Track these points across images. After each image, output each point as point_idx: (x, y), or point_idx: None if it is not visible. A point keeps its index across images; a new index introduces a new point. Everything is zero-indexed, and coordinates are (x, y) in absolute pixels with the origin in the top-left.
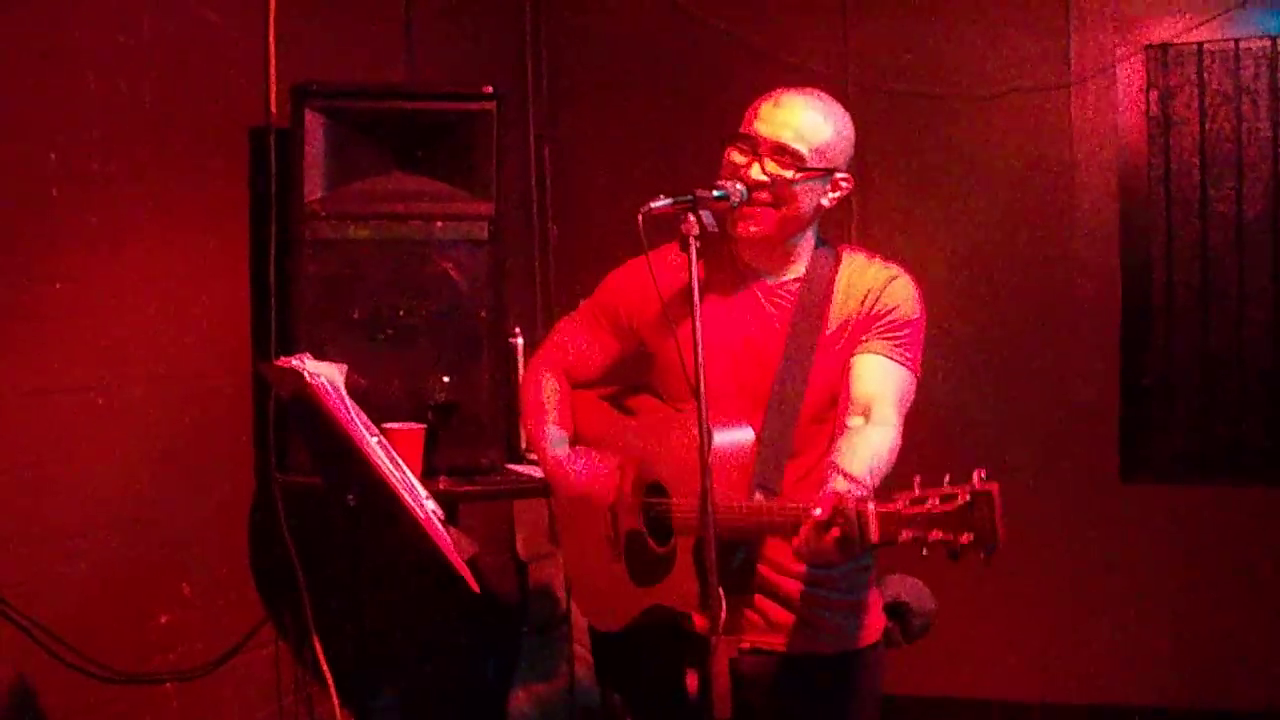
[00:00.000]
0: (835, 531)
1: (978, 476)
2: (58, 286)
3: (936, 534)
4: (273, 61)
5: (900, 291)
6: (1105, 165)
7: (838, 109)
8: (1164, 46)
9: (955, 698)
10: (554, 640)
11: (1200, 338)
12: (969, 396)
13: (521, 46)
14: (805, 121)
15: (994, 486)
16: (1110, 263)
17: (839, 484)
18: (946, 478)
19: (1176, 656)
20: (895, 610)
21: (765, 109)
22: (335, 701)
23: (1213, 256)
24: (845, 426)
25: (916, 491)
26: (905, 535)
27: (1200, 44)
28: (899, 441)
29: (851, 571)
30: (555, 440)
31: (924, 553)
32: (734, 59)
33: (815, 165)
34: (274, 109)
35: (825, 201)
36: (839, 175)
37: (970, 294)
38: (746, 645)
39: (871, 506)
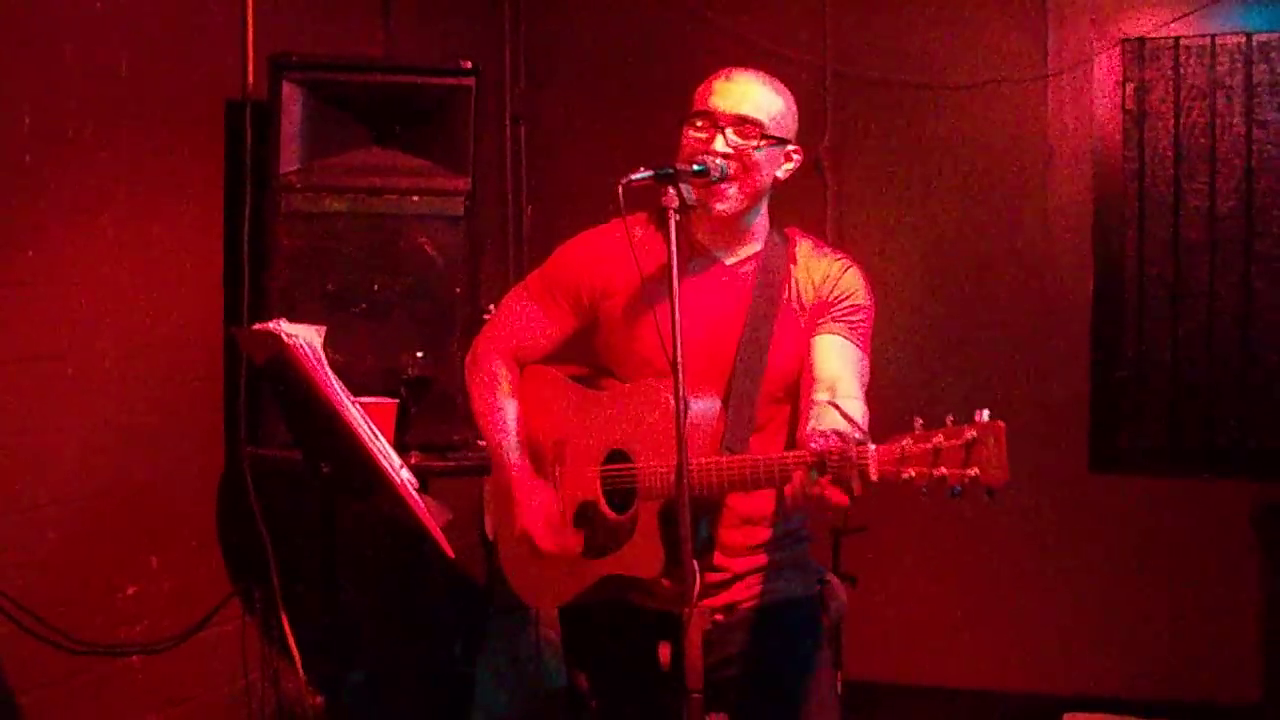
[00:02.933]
0: (832, 474)
1: (983, 414)
2: (30, 254)
3: (941, 470)
4: (251, 33)
5: (855, 280)
6: (1080, 157)
7: (781, 84)
8: (1140, 40)
9: (922, 686)
10: (521, 621)
11: (1171, 331)
12: (939, 384)
13: (500, 27)
14: (760, 93)
15: (1001, 424)
16: (1083, 254)
17: (829, 420)
18: (949, 417)
19: (1144, 646)
20: None
21: (718, 85)
22: (302, 678)
23: (1185, 250)
24: (812, 403)
25: (919, 429)
26: (907, 473)
27: (1176, 38)
28: (868, 415)
29: (792, 546)
30: (514, 447)
31: (924, 492)
32: (712, 44)
33: (774, 134)
34: (251, 81)
35: (780, 173)
36: (791, 146)
37: (943, 283)
38: (720, 618)
39: (871, 445)
